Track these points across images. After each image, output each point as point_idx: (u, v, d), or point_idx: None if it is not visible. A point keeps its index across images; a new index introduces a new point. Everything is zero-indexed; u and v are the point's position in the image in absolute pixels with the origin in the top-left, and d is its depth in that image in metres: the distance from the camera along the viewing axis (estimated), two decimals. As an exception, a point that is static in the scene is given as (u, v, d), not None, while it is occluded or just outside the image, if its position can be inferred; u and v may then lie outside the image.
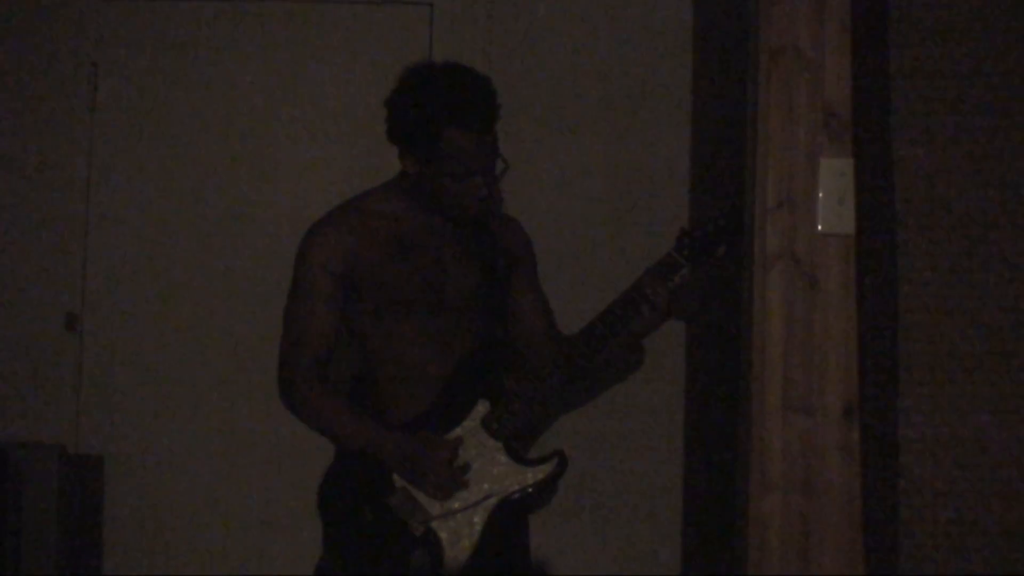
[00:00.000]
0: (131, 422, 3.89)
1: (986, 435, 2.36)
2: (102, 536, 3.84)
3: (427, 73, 2.94)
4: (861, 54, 2.42)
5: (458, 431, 2.92)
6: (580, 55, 3.86)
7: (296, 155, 3.91)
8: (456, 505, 2.88)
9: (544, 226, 3.80)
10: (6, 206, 3.89)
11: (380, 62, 3.86)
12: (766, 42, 2.46)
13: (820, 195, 2.44)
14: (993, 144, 2.39)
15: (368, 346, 2.98)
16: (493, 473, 2.90)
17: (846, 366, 2.43)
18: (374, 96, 3.80)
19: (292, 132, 3.91)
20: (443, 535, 2.87)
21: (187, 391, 3.90)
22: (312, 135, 3.92)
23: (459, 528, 2.87)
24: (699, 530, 3.75)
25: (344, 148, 3.90)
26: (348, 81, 3.91)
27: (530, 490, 2.91)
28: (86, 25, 3.89)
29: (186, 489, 3.87)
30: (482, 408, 2.94)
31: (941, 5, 2.41)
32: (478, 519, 2.88)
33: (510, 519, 2.95)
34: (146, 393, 3.90)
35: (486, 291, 3.01)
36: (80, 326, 3.89)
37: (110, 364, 3.90)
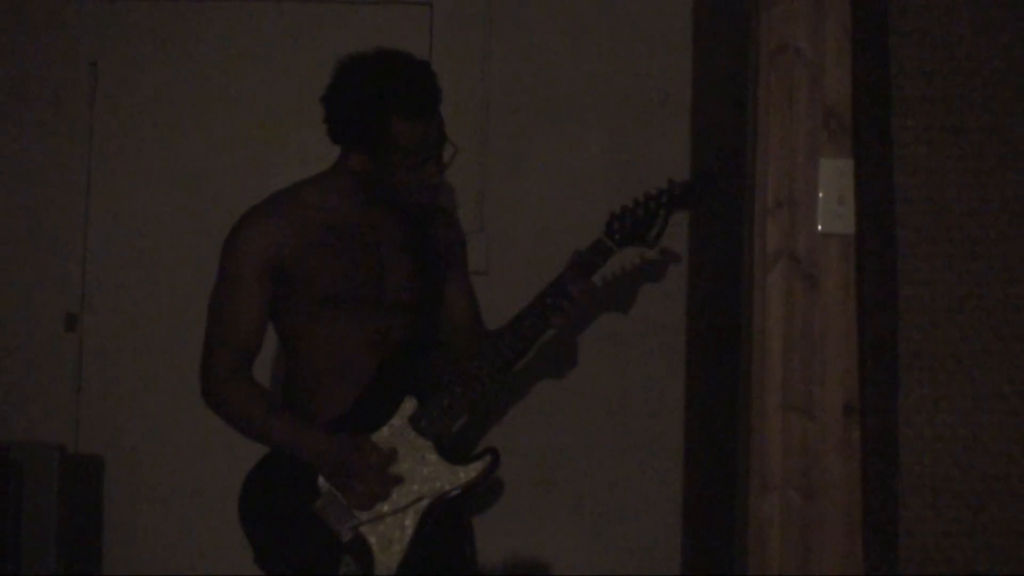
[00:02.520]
0: (131, 422, 3.88)
1: (986, 435, 2.36)
2: (102, 536, 3.84)
3: (363, 65, 2.78)
4: (861, 54, 2.42)
5: (385, 430, 2.79)
6: (580, 55, 3.85)
7: (296, 155, 3.91)
8: (385, 508, 2.75)
9: (543, 226, 3.80)
10: (6, 206, 3.89)
11: (380, 62, 3.86)
12: (766, 42, 2.46)
13: (820, 195, 2.44)
14: (993, 144, 2.39)
15: (297, 342, 2.86)
16: (422, 473, 2.77)
17: (846, 366, 2.43)
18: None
19: (292, 132, 3.90)
20: (372, 540, 2.74)
21: (187, 391, 3.88)
22: (312, 135, 3.90)
23: (389, 532, 2.75)
24: (699, 530, 3.75)
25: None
26: (348, 81, 3.90)
27: (460, 490, 2.78)
28: (86, 24, 3.89)
29: (186, 489, 3.87)
30: (409, 405, 2.81)
31: (941, 5, 2.41)
32: (409, 522, 2.75)
33: (444, 520, 2.81)
34: (146, 393, 3.89)
35: (423, 284, 2.91)
36: (80, 326, 3.89)
37: (110, 364, 3.90)
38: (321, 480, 2.77)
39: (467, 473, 2.79)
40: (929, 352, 2.38)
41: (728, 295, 3.03)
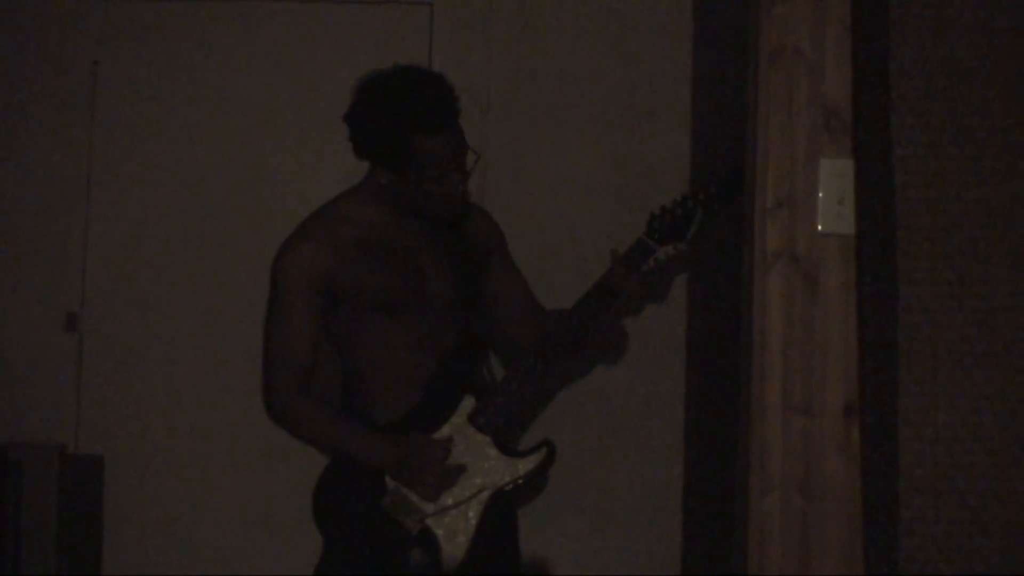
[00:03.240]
0: (131, 422, 3.88)
1: (986, 434, 2.36)
2: (102, 536, 3.84)
3: (383, 84, 2.93)
4: (861, 54, 2.42)
5: (446, 428, 2.94)
6: (580, 55, 3.86)
7: (296, 155, 3.91)
8: (450, 501, 2.90)
9: (543, 226, 3.80)
10: (6, 206, 3.89)
11: (380, 62, 3.85)
12: (766, 42, 2.46)
13: (820, 195, 2.44)
14: (993, 144, 2.39)
15: (350, 351, 3.00)
16: (483, 467, 2.93)
17: (846, 366, 2.43)
18: (374, 96, 3.82)
19: (292, 132, 3.91)
20: (439, 532, 2.90)
21: (187, 391, 3.90)
22: (312, 135, 3.92)
23: (454, 524, 2.90)
24: (699, 530, 3.75)
25: (344, 148, 3.89)
26: (348, 81, 3.90)
27: (521, 481, 2.95)
28: (86, 23, 3.89)
29: (186, 489, 3.87)
30: (468, 404, 2.96)
31: (941, 5, 2.40)
32: (473, 513, 2.91)
33: (502, 512, 2.99)
34: (146, 393, 3.89)
35: (464, 287, 3.04)
36: (80, 326, 3.89)
37: (110, 364, 3.90)
38: (388, 478, 2.92)
39: (525, 465, 2.95)
40: (929, 352, 2.37)
41: (728, 295, 3.03)
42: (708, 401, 3.72)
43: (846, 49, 2.43)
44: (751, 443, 2.45)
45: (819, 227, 2.44)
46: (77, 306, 3.89)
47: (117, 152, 3.90)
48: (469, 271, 3.06)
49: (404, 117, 2.86)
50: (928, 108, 2.40)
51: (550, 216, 3.80)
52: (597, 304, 2.97)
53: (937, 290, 2.38)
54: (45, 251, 3.89)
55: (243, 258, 3.88)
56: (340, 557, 2.97)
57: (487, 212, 3.25)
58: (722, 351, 3.34)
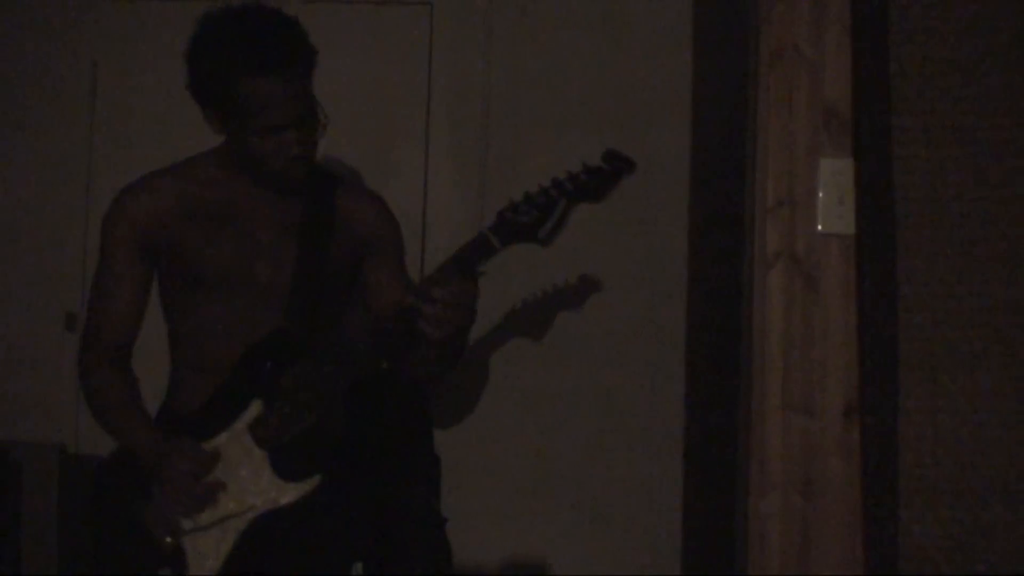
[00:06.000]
0: (131, 422, 3.88)
1: (986, 435, 2.36)
2: (102, 536, 3.84)
3: (221, 18, 2.55)
4: (861, 54, 2.42)
5: (224, 435, 2.55)
6: (580, 55, 3.85)
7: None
8: (205, 519, 2.52)
9: (544, 226, 3.80)
10: (6, 206, 3.89)
11: (380, 62, 3.86)
12: (766, 42, 2.46)
13: (820, 195, 2.44)
14: (993, 144, 2.39)
15: (170, 327, 2.69)
16: (250, 486, 2.54)
17: (846, 366, 2.43)
18: (374, 96, 3.83)
19: (292, 132, 3.90)
20: (188, 552, 2.52)
21: (187, 391, 3.89)
22: (312, 135, 3.91)
23: (204, 546, 2.52)
24: (699, 530, 3.75)
25: (343, 147, 3.90)
26: (348, 81, 3.91)
27: (280, 509, 2.54)
28: (86, 23, 3.89)
29: (186, 489, 3.86)
30: (254, 409, 2.55)
31: (941, 5, 2.41)
32: (230, 536, 2.52)
33: (271, 536, 2.55)
34: (146, 393, 3.89)
35: (305, 272, 2.63)
36: (80, 326, 3.88)
37: (110, 364, 3.89)
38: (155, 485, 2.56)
39: (288, 494, 2.54)
40: (929, 352, 2.38)
41: (728, 295, 3.03)
42: (708, 401, 3.72)
43: (846, 49, 2.44)
44: (751, 443, 2.45)
45: (819, 227, 2.44)
46: (77, 306, 3.89)
47: (117, 152, 3.90)
48: (321, 257, 2.64)
49: (235, 50, 2.48)
50: (928, 108, 2.40)
51: (550, 216, 3.80)
52: (410, 310, 2.44)
53: (937, 290, 2.38)
54: (45, 251, 3.89)
55: (243, 258, 3.87)
56: (94, 560, 2.61)
57: (385, 206, 2.80)
58: (722, 351, 3.34)
